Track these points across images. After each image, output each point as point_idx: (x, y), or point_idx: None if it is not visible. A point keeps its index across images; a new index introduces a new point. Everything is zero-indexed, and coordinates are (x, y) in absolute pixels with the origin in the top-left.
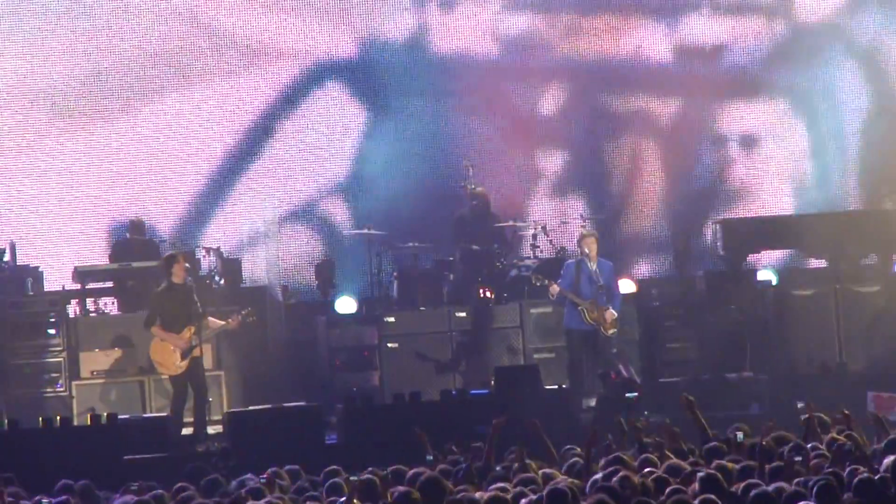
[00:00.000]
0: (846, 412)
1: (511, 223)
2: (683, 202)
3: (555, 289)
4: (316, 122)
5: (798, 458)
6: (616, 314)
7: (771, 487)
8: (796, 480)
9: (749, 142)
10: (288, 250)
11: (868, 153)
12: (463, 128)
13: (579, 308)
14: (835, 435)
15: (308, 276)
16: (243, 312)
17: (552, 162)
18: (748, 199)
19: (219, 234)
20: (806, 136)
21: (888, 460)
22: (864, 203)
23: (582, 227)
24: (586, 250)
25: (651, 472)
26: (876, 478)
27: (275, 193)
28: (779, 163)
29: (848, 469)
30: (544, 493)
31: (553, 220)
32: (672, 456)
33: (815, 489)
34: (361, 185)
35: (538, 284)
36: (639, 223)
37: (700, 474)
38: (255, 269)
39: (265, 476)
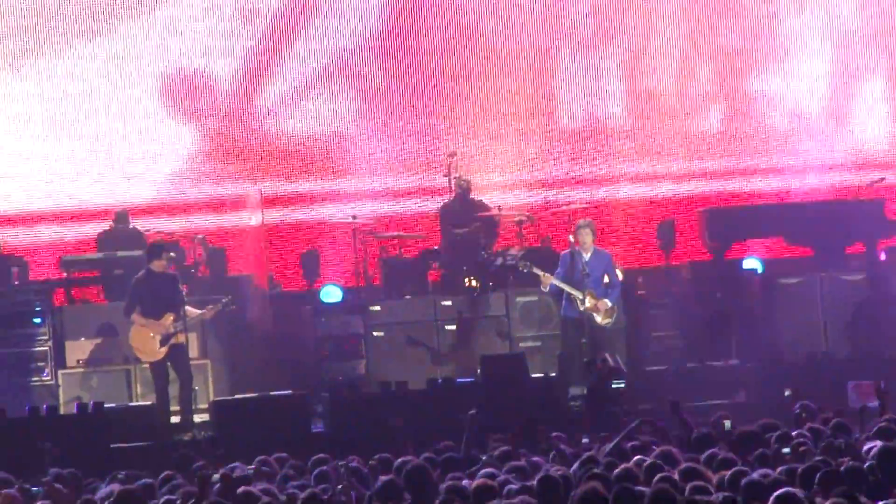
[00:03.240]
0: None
1: (496, 212)
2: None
3: (546, 280)
4: (300, 104)
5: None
6: (610, 304)
7: (756, 475)
8: (780, 468)
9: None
10: (273, 240)
11: None
12: (449, 112)
13: (573, 297)
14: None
15: (293, 265)
16: (223, 300)
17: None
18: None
19: (204, 223)
20: None
21: (874, 447)
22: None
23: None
24: (581, 240)
25: (642, 460)
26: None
27: (259, 181)
28: None
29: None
30: (535, 480)
31: (539, 209)
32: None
33: (804, 476)
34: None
35: (525, 271)
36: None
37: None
38: (241, 258)
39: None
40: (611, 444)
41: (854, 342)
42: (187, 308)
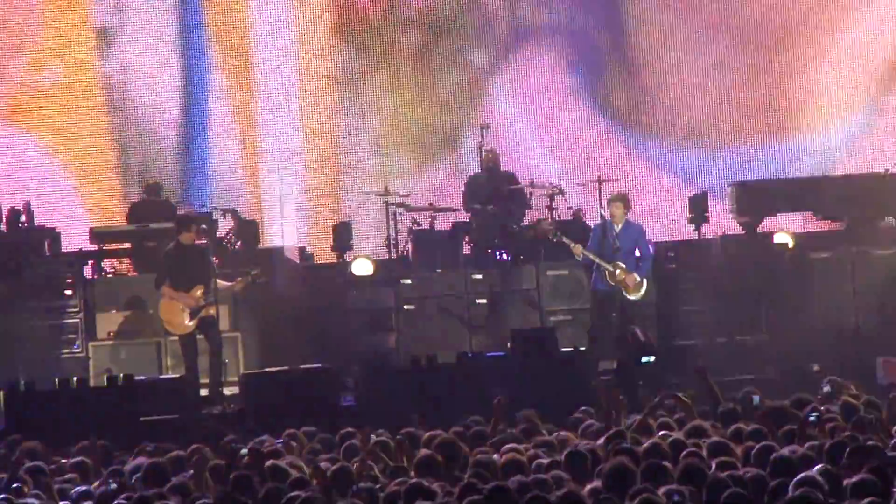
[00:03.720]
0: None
1: (527, 185)
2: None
3: (578, 249)
4: (330, 80)
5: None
6: (639, 278)
7: (785, 451)
8: (809, 444)
9: None
10: (305, 212)
11: None
12: (479, 88)
13: (602, 269)
14: (848, 398)
15: (325, 237)
16: (253, 273)
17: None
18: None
19: (237, 195)
20: None
21: None
22: None
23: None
24: (612, 212)
25: (667, 436)
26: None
27: (293, 155)
28: None
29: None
30: (563, 455)
31: (569, 183)
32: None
33: (833, 452)
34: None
35: (554, 240)
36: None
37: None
38: (274, 230)
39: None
40: (636, 420)
41: (885, 317)
42: (218, 281)
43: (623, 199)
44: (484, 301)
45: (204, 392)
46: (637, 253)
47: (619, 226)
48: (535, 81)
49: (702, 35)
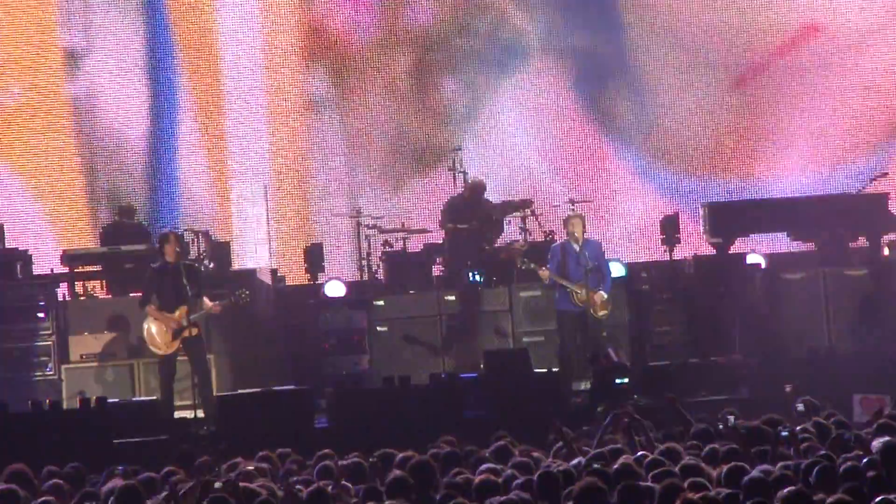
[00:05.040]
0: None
1: (501, 207)
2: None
3: (545, 273)
4: (300, 101)
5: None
6: (606, 295)
7: (757, 471)
8: (782, 464)
9: None
10: (277, 234)
11: None
12: (455, 111)
13: (568, 290)
14: (823, 420)
15: (297, 259)
16: (237, 292)
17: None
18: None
19: (208, 217)
20: None
21: (878, 442)
22: None
23: (571, 210)
24: (571, 231)
25: (644, 456)
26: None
27: (263, 177)
28: None
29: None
30: (535, 476)
31: (542, 204)
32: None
33: (808, 471)
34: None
35: (524, 268)
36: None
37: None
38: (246, 252)
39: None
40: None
41: (857, 338)
42: (205, 300)
43: (582, 218)
44: (456, 323)
45: (184, 413)
46: (603, 269)
47: (579, 244)
48: (504, 103)
49: (684, 56)
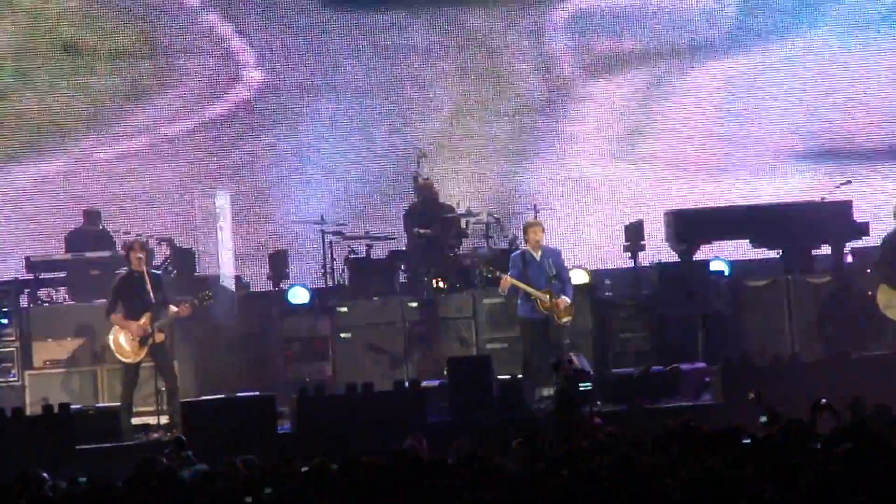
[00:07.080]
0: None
1: (463, 213)
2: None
3: (505, 283)
4: (268, 108)
5: None
6: (569, 301)
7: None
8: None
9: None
10: (240, 240)
11: None
12: (418, 115)
13: (532, 297)
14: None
15: (261, 266)
16: (200, 295)
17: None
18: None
19: (172, 224)
20: None
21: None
22: None
23: (533, 217)
24: (532, 239)
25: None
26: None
27: (227, 183)
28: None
29: None
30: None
31: (504, 211)
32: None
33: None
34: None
35: (489, 276)
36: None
37: None
38: (209, 258)
39: None
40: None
41: (820, 344)
42: (171, 307)
43: (541, 225)
44: (420, 329)
45: (141, 420)
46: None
47: (539, 252)
48: (473, 107)
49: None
